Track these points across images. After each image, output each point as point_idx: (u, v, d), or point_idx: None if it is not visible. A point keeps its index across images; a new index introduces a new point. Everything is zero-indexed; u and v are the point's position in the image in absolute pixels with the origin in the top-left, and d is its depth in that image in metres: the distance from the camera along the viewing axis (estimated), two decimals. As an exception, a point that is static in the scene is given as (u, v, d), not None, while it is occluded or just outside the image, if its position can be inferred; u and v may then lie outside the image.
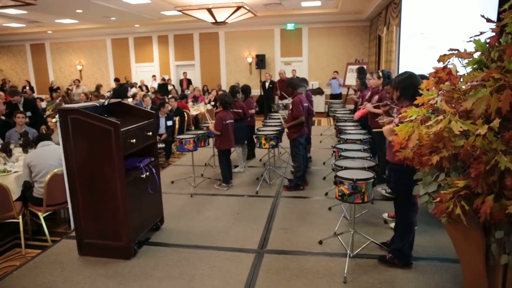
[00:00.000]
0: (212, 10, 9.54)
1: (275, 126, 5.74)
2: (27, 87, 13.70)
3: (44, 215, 3.99)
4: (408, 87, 2.84)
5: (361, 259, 3.32)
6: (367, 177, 3.01)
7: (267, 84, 12.38)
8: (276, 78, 12.24)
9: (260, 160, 6.74)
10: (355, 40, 13.10)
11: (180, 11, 9.78)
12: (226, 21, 10.24)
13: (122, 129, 3.25)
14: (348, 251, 3.34)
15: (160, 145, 7.06)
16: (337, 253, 3.45)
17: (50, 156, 4.13)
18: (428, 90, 2.46)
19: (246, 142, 6.38)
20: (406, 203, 3.04)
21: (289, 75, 11.52)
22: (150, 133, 3.76)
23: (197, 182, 5.50)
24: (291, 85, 5.06)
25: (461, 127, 2.00)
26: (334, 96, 11.97)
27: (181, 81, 14.16)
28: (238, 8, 9.43)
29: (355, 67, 10.36)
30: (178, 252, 3.60)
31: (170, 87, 13.11)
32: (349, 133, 4.82)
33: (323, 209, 4.49)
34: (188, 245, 3.73)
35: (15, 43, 15.89)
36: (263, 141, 5.03)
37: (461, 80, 2.22)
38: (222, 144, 5.18)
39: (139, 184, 3.59)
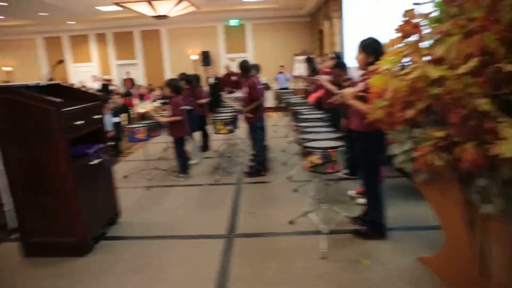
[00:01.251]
0: (152, 3, 9.08)
1: (230, 112, 5.48)
2: None
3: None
4: (378, 48, 2.75)
5: (335, 234, 3.18)
6: (337, 145, 2.89)
7: (212, 80, 12.08)
8: (223, 73, 11.97)
9: (216, 151, 6.45)
10: (298, 35, 13.26)
11: (117, 4, 9.20)
12: (168, 15, 9.82)
13: (64, 109, 2.83)
14: (321, 228, 3.19)
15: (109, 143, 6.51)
16: (310, 231, 3.29)
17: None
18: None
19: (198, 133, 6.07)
20: (373, 172, 2.97)
21: (235, 70, 11.32)
22: (98, 116, 3.35)
23: (152, 175, 5.10)
24: (244, 68, 4.86)
25: (436, 73, 1.92)
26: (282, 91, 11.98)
27: (124, 80, 13.39)
28: (180, 0, 9.08)
29: (303, 57, 10.44)
30: (138, 244, 3.24)
31: (112, 87, 12.32)
32: (307, 114, 4.72)
33: (287, 191, 4.33)
34: (149, 236, 3.37)
35: None
36: (220, 126, 4.77)
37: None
38: (179, 132, 4.84)
39: (89, 173, 3.17)
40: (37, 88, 3.09)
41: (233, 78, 10.06)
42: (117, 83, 13.41)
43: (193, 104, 5.58)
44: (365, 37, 2.97)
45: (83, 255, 3.02)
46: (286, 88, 12.12)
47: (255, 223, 3.55)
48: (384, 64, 2.15)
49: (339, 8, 9.12)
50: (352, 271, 2.65)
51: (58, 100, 2.80)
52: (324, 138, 3.18)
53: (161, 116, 5.01)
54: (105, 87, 12.43)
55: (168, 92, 4.88)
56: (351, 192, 4.08)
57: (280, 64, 12.46)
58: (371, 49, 2.84)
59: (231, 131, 4.88)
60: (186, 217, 3.75)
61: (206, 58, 13.27)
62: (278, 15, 12.85)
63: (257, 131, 4.84)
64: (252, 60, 13.25)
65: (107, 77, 13.40)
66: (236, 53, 13.51)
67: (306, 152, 2.87)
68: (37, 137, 2.83)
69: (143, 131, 4.70)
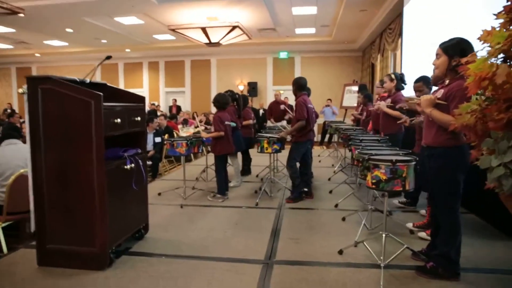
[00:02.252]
0: (207, 29, 9.22)
1: (276, 132, 5.13)
2: (8, 110, 12.92)
3: (4, 225, 3.23)
4: (465, 49, 2.27)
5: (394, 270, 2.64)
6: (408, 159, 2.40)
7: (260, 111, 11.94)
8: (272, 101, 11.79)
9: (257, 176, 6.08)
10: (348, 69, 12.97)
11: (173, 30, 9.45)
12: (221, 42, 9.93)
13: (105, 104, 2.61)
14: (379, 261, 2.65)
15: (147, 163, 6.37)
16: (364, 264, 2.77)
17: (17, 156, 3.45)
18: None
19: (240, 156, 5.76)
20: (452, 196, 2.43)
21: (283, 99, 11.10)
22: (139, 118, 3.13)
23: (187, 194, 4.78)
24: (297, 84, 4.54)
25: None
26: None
27: (170, 107, 13.63)
28: (233, 28, 9.15)
29: (354, 87, 10.05)
30: (165, 262, 2.85)
31: (159, 113, 12.54)
32: (362, 137, 4.25)
33: (335, 219, 3.82)
34: (178, 255, 2.99)
35: (0, 66, 15.25)
36: (265, 145, 4.40)
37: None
38: (221, 149, 4.54)
39: (121, 177, 2.89)
40: (83, 84, 2.94)
41: (282, 107, 9.79)
42: (163, 109, 13.67)
43: (238, 124, 5.31)
44: (448, 39, 2.53)
45: (101, 269, 2.68)
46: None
47: (298, 250, 3.07)
48: (492, 40, 1.68)
49: (393, 41, 8.75)
50: (421, 317, 2.09)
51: (99, 93, 2.59)
52: (390, 153, 2.70)
53: (203, 130, 4.75)
54: (153, 111, 12.68)
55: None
56: (409, 225, 3.51)
57: (328, 98, 12.13)
58: (456, 50, 2.35)
59: (277, 151, 4.50)
60: (222, 239, 3.35)
61: (253, 89, 13.25)
62: (328, 49, 12.70)
63: (298, 150, 4.45)
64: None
65: (154, 102, 13.71)
66: (283, 85, 13.37)
67: (369, 166, 2.41)
68: (73, 131, 2.61)
69: (184, 145, 4.45)
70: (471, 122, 1.96)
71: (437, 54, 2.48)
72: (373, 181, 2.42)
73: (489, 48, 1.83)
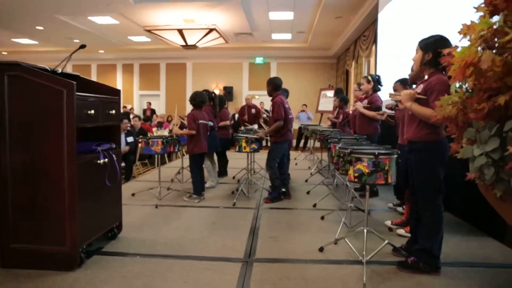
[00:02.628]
0: (183, 31, 9.09)
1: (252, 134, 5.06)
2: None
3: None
4: (440, 46, 2.29)
5: (375, 265, 2.61)
6: (390, 152, 2.38)
7: (236, 116, 11.85)
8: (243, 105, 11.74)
9: (234, 177, 5.97)
10: (323, 76, 13.13)
11: (149, 31, 9.25)
12: (197, 44, 9.81)
13: (78, 94, 2.46)
14: (360, 257, 2.61)
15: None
16: (345, 260, 2.72)
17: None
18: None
19: (216, 156, 5.64)
20: (434, 190, 2.43)
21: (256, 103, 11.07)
22: (114, 111, 2.97)
23: (162, 194, 4.61)
24: (273, 84, 4.49)
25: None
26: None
27: (144, 111, 13.31)
28: (210, 31, 9.07)
29: (329, 92, 10.15)
30: (140, 262, 2.70)
31: (131, 116, 12.22)
32: (341, 137, 4.25)
33: (314, 218, 3.78)
34: (154, 255, 2.84)
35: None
36: (244, 144, 4.32)
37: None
38: (195, 147, 4.41)
39: (93, 173, 2.73)
40: (54, 74, 2.76)
41: (253, 111, 9.76)
42: (137, 113, 13.34)
43: (214, 124, 5.20)
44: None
45: (71, 269, 2.49)
46: (308, 126, 11.79)
47: (278, 248, 2.99)
48: (477, 27, 1.68)
49: (368, 48, 8.92)
50: (405, 311, 2.05)
51: (72, 81, 2.44)
52: (371, 148, 2.68)
53: (174, 125, 4.62)
54: (126, 114, 12.35)
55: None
56: (388, 222, 3.51)
57: (303, 103, 12.21)
58: (431, 46, 2.39)
59: (255, 150, 4.41)
60: (198, 238, 3.22)
61: (228, 94, 13.17)
62: (304, 55, 12.83)
63: (277, 151, 4.38)
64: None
65: (127, 105, 13.36)
66: (259, 90, 13.38)
67: (351, 160, 2.37)
68: (42, 122, 2.44)
69: (159, 144, 4.30)
70: (453, 114, 1.96)
71: (416, 49, 2.52)
72: (356, 174, 2.38)
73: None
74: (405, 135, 2.57)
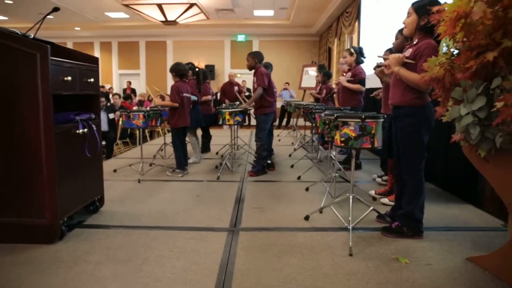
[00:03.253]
0: (163, 6, 8.80)
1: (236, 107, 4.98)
2: None
3: None
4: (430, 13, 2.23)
5: (360, 231, 2.64)
6: (377, 115, 2.37)
7: (218, 95, 11.68)
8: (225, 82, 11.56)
9: (217, 153, 5.91)
10: (305, 54, 13.03)
11: (127, 5, 8.91)
12: (177, 20, 9.53)
13: (53, 58, 2.32)
14: (346, 224, 2.63)
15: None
16: (330, 227, 2.73)
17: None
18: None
19: (200, 133, 5.56)
20: (417, 154, 2.44)
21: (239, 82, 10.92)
22: (92, 80, 2.84)
23: (145, 170, 4.52)
24: (256, 56, 4.41)
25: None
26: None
27: (124, 90, 12.97)
28: (191, 6, 8.80)
29: (312, 70, 10.08)
30: (123, 234, 2.64)
31: (111, 95, 11.89)
32: (325, 108, 4.23)
33: (299, 190, 3.78)
34: (137, 226, 2.78)
35: None
36: (227, 117, 4.25)
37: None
38: (178, 121, 4.30)
39: (72, 143, 2.62)
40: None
41: (236, 88, 9.60)
42: (116, 92, 13.00)
43: (198, 98, 5.09)
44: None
45: (51, 242, 2.41)
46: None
47: (263, 218, 2.98)
48: None
49: (350, 24, 8.86)
50: (389, 270, 2.07)
51: (45, 44, 2.29)
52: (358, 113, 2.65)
53: (162, 97, 4.50)
54: (105, 94, 12.01)
55: (173, 77, 4.39)
56: (372, 192, 3.55)
57: (286, 81, 12.14)
58: (426, 10, 2.27)
59: (239, 123, 4.36)
60: (183, 210, 3.17)
61: (210, 72, 12.93)
62: (286, 32, 12.67)
63: (266, 121, 4.35)
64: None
65: (107, 85, 12.99)
66: (241, 69, 13.19)
67: (337, 124, 2.34)
68: (14, 89, 2.30)
69: (141, 117, 4.18)
70: (440, 74, 1.95)
71: (408, 13, 2.45)
72: (342, 139, 2.36)
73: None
74: (390, 100, 2.55)
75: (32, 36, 2.61)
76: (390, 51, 3.64)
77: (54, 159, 2.35)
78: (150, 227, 2.76)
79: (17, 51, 2.27)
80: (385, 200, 3.31)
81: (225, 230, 2.70)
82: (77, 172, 2.68)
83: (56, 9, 2.75)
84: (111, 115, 6.63)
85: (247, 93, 11.06)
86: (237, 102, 7.21)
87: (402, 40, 3.10)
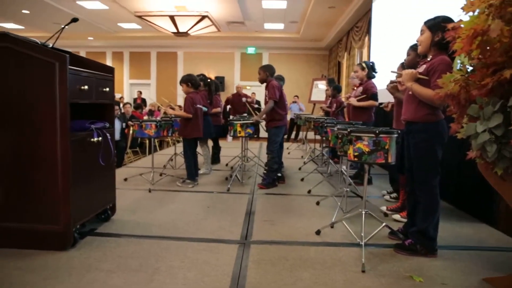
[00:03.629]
0: (175, 18, 8.95)
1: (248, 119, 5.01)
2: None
3: None
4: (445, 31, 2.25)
5: (372, 248, 2.61)
6: (391, 131, 2.38)
7: (228, 107, 11.76)
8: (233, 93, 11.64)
9: (227, 164, 5.93)
10: (315, 67, 13.11)
11: (140, 17, 9.08)
12: (189, 32, 9.67)
13: (71, 67, 2.38)
14: (358, 240, 2.61)
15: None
16: (342, 243, 2.71)
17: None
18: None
19: (211, 144, 5.60)
20: (432, 171, 2.42)
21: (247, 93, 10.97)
22: (108, 89, 2.89)
23: (155, 179, 4.55)
24: (267, 69, 4.45)
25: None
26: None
27: (135, 100, 13.13)
28: (202, 18, 8.95)
29: (321, 84, 10.11)
30: (134, 243, 2.65)
31: (121, 104, 12.04)
32: (337, 122, 4.24)
33: (309, 203, 3.77)
34: (149, 236, 2.79)
35: None
36: (239, 129, 4.28)
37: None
38: (190, 132, 4.34)
39: (87, 151, 2.66)
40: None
41: (244, 100, 9.65)
42: (128, 101, 13.17)
43: (209, 109, 5.14)
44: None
45: (64, 249, 2.43)
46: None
47: (274, 231, 2.97)
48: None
49: (360, 39, 8.92)
50: (404, 288, 2.05)
51: (64, 54, 2.35)
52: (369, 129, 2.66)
53: (172, 108, 4.55)
54: (117, 103, 12.17)
55: (184, 88, 4.44)
56: (384, 208, 3.52)
57: (295, 94, 12.20)
58: (439, 26, 2.32)
59: (250, 135, 4.38)
60: (193, 221, 3.18)
61: (220, 84, 13.05)
62: (296, 46, 12.78)
63: (277, 134, 4.38)
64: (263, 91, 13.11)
65: (117, 94, 13.16)
66: (251, 81, 13.31)
67: (351, 139, 2.35)
68: (33, 97, 2.35)
69: (153, 127, 4.23)
70: (455, 91, 1.96)
71: (421, 31, 2.48)
72: (356, 153, 2.37)
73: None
74: (403, 116, 2.56)
75: (51, 45, 2.69)
76: (402, 65, 3.65)
77: (70, 167, 2.39)
78: (161, 237, 2.77)
79: (37, 60, 2.33)
80: (397, 216, 3.28)
81: (236, 243, 2.70)
82: (90, 180, 2.71)
83: (75, 20, 2.81)
84: (124, 125, 6.71)
85: (256, 106, 11.11)
86: (245, 114, 7.24)
87: (414, 57, 3.13)
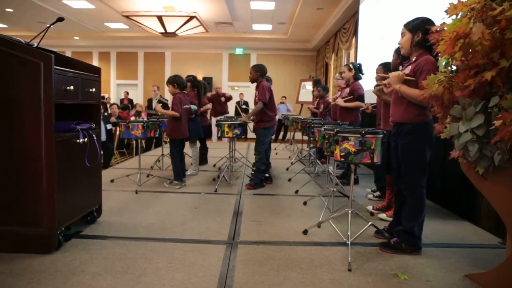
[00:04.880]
0: (163, 18, 8.89)
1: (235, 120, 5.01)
2: None
3: None
4: (427, 31, 2.27)
5: (359, 247, 2.64)
6: (376, 131, 2.41)
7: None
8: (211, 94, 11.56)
9: (214, 165, 5.92)
10: (302, 68, 13.18)
11: (127, 16, 8.99)
12: (177, 33, 9.62)
13: (56, 67, 2.35)
14: (344, 239, 2.64)
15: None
16: (329, 242, 2.74)
17: None
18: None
19: (199, 144, 5.59)
20: (420, 172, 2.46)
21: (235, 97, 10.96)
22: (94, 89, 2.86)
23: (142, 181, 4.51)
24: (258, 70, 4.46)
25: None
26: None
27: (121, 101, 12.99)
28: (190, 18, 8.91)
29: (308, 84, 10.16)
30: (121, 244, 2.62)
31: (108, 105, 11.90)
32: (324, 123, 4.27)
33: (296, 204, 3.79)
34: (135, 237, 2.77)
35: None
36: (226, 129, 4.27)
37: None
38: (177, 132, 4.32)
39: (72, 153, 2.62)
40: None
41: (223, 99, 9.58)
42: (114, 102, 13.02)
43: (197, 110, 5.12)
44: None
45: (48, 252, 2.39)
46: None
47: (262, 231, 2.98)
48: (468, 2, 1.70)
49: (348, 40, 9.01)
50: (388, 286, 2.08)
51: (49, 54, 2.32)
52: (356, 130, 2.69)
53: (160, 106, 4.52)
54: (103, 104, 12.03)
55: (171, 88, 4.42)
56: (370, 207, 3.56)
57: (282, 95, 12.23)
58: (419, 27, 2.39)
59: (237, 136, 4.37)
60: (181, 222, 3.16)
61: (208, 84, 12.99)
62: (284, 47, 12.83)
63: (266, 135, 4.40)
64: (254, 90, 13.13)
65: (104, 95, 13.00)
66: (239, 82, 13.32)
67: (337, 139, 2.37)
68: (17, 97, 2.31)
69: (140, 128, 4.19)
70: (439, 92, 1.99)
71: (402, 33, 2.52)
72: (342, 154, 2.39)
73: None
74: (391, 117, 2.59)
75: (35, 45, 2.64)
76: (383, 66, 3.71)
77: (54, 168, 2.35)
78: (148, 239, 2.75)
79: (21, 60, 2.29)
80: (383, 215, 3.33)
81: (223, 243, 2.69)
82: (76, 182, 2.68)
83: (60, 19, 2.77)
84: (109, 126, 6.63)
85: (244, 106, 11.12)
86: (223, 116, 7.14)
87: (396, 58, 3.20)
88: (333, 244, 2.69)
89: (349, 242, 2.50)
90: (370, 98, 4.98)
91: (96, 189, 3.01)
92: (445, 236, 2.95)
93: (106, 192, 3.59)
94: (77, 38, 12.62)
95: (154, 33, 10.13)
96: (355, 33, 8.14)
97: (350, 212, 2.65)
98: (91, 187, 2.92)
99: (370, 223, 2.73)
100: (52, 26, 2.71)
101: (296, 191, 4.25)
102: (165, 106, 6.25)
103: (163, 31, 9.52)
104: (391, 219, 3.00)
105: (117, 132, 6.94)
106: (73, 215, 2.66)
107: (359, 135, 2.33)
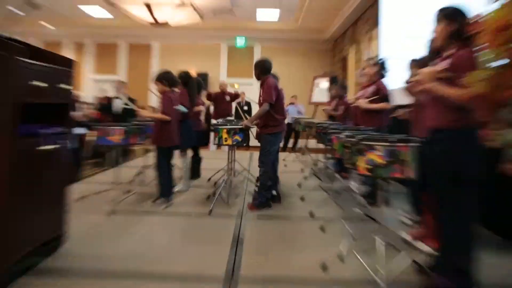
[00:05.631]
0: (151, 5, 8.81)
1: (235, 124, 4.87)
2: None
3: None
4: (463, 14, 2.24)
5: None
6: (411, 139, 2.27)
7: (211, 108, 11.63)
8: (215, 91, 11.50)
9: (209, 179, 5.75)
10: (316, 63, 13.06)
11: (107, 1, 8.91)
12: (168, 22, 9.53)
13: (21, 59, 2.21)
14: (376, 277, 2.45)
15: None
16: (355, 281, 2.55)
17: None
18: None
19: (191, 154, 5.44)
20: (462, 193, 2.28)
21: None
22: (66, 86, 2.71)
23: (119, 198, 4.35)
24: (262, 67, 4.35)
25: None
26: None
27: (98, 99, 12.90)
28: (183, 5, 8.82)
29: (323, 82, 10.03)
30: (88, 284, 2.45)
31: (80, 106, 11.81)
32: (344, 128, 4.12)
33: (311, 229, 3.62)
34: (106, 272, 2.59)
35: None
36: (225, 135, 4.11)
37: None
38: (166, 139, 4.17)
39: (33, 163, 2.46)
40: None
41: (228, 98, 9.50)
42: (89, 101, 12.92)
43: (190, 112, 4.97)
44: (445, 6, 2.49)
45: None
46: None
47: (269, 266, 2.80)
48: None
49: (368, 31, 8.89)
50: None
51: (15, 43, 2.19)
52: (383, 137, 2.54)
53: (145, 108, 4.39)
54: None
55: (159, 86, 4.28)
56: (406, 235, 3.37)
57: (292, 94, 12.11)
58: (455, 15, 2.35)
59: (238, 143, 4.21)
60: (166, 252, 3.00)
61: (203, 81, 12.93)
62: (293, 38, 12.76)
63: (272, 143, 4.26)
64: (256, 88, 13.09)
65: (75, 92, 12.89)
66: (239, 78, 13.21)
67: (361, 149, 2.21)
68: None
69: (119, 133, 4.05)
70: (486, 90, 1.86)
71: (437, 20, 2.47)
72: (367, 166, 2.25)
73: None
74: (426, 123, 2.45)
75: (5, 35, 2.50)
76: (415, 61, 3.60)
77: (6, 184, 2.19)
78: (122, 276, 2.58)
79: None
80: (421, 245, 3.14)
81: (219, 281, 2.52)
82: (34, 201, 2.52)
83: (35, 6, 2.62)
84: (82, 130, 6.48)
85: (245, 108, 10.98)
86: (221, 120, 7.04)
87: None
88: (361, 284, 2.50)
89: (384, 285, 2.31)
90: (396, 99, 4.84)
91: (59, 210, 2.87)
92: (506, 273, 2.75)
93: (73, 214, 3.43)
94: (45, 23, 12.56)
95: (141, 22, 10.04)
96: (377, 22, 8.03)
97: (381, 241, 2.47)
98: (54, 207, 2.79)
99: (410, 259, 2.55)
100: (16, 10, 2.57)
101: (311, 213, 4.07)
102: (130, 112, 6.06)
103: (152, 20, 9.42)
104: (430, 250, 2.81)
105: (89, 138, 6.77)
106: (28, 245, 2.51)
107: (388, 144, 2.18)
